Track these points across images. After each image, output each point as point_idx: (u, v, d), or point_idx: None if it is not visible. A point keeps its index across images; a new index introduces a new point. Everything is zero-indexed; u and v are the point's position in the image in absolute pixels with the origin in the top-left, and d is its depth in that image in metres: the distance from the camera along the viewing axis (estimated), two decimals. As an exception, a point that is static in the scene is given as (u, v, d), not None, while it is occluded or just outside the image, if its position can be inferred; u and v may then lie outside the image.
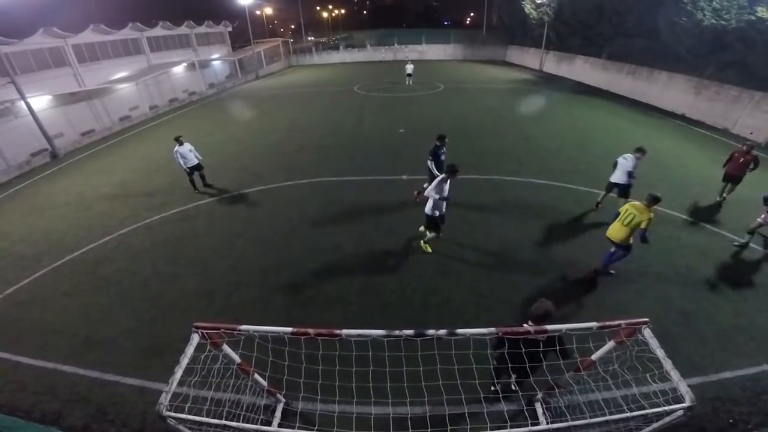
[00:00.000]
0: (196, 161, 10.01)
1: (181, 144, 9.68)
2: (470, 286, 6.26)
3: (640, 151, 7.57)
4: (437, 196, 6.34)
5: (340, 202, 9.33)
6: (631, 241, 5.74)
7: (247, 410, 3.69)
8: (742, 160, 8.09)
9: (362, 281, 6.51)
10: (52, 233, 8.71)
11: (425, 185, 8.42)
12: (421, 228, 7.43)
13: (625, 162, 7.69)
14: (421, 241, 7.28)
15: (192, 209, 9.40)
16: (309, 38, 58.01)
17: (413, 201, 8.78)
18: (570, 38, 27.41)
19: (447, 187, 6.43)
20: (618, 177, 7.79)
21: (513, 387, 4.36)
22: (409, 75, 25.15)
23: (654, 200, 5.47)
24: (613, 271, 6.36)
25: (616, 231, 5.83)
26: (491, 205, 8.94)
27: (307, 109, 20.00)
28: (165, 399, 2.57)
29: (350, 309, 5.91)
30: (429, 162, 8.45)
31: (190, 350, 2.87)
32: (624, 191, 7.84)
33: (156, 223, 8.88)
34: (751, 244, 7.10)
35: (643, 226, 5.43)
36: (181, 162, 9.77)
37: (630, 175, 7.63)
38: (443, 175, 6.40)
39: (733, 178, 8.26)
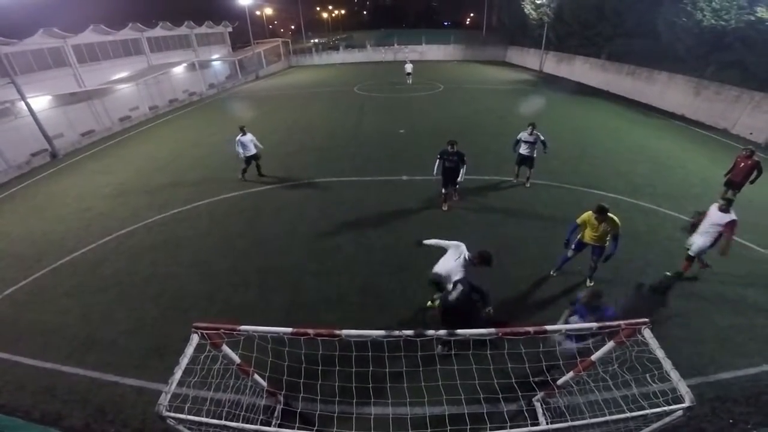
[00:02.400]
0: (254, 151, 10.41)
1: (244, 134, 10.17)
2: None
3: (531, 125, 9.12)
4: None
5: (340, 203, 9.33)
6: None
7: (246, 410, 3.68)
8: (743, 165, 8.01)
9: (362, 281, 6.51)
10: (51, 233, 8.70)
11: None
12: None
13: (523, 136, 9.19)
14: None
15: (192, 209, 9.39)
16: (311, 41, 57.15)
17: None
18: (570, 39, 27.43)
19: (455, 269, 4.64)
20: (523, 150, 9.27)
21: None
22: (408, 74, 25.59)
23: (600, 210, 5.39)
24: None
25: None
26: (491, 205, 8.95)
27: (308, 109, 20.01)
28: (165, 399, 2.57)
29: (350, 309, 5.92)
30: None
31: (189, 350, 2.87)
32: (529, 162, 9.37)
33: (156, 223, 8.88)
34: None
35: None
36: (240, 150, 10.21)
37: (529, 145, 9.14)
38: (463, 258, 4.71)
39: (734, 184, 8.16)
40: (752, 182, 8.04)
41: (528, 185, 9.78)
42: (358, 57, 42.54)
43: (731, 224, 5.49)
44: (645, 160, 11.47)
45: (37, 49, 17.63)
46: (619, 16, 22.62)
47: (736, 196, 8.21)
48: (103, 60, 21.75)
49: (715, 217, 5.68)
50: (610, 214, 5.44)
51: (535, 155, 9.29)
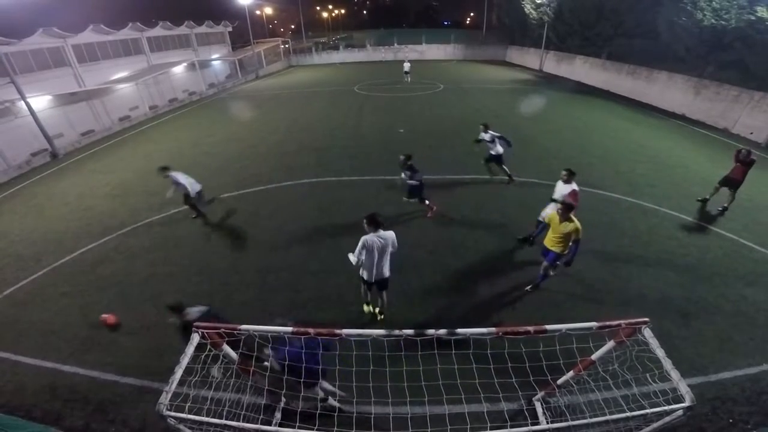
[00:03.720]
0: (187, 189, 8.27)
1: (168, 175, 8.23)
2: (470, 286, 6.26)
3: (482, 125, 9.55)
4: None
5: (339, 202, 9.32)
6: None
7: (247, 410, 3.68)
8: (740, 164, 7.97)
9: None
10: (51, 233, 8.70)
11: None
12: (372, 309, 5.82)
13: (482, 136, 9.57)
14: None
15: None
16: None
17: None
18: (570, 38, 27.45)
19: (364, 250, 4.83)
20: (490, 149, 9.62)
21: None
22: (407, 72, 26.27)
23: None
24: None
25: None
26: (491, 205, 8.95)
27: (308, 109, 20.00)
28: (165, 398, 2.57)
29: (350, 309, 5.91)
30: None
31: (190, 350, 2.87)
32: (496, 160, 9.65)
33: (156, 223, 8.88)
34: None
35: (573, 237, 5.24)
36: (178, 189, 8.32)
37: (494, 145, 9.44)
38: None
39: (732, 182, 8.11)
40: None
41: (515, 181, 9.89)
42: (358, 56, 42.55)
43: (573, 193, 6.18)
44: (645, 160, 11.47)
45: (36, 48, 17.63)
46: (619, 16, 22.65)
47: (734, 195, 8.21)
48: (103, 60, 21.74)
49: (561, 189, 6.42)
50: (572, 216, 5.22)
51: (500, 153, 9.48)
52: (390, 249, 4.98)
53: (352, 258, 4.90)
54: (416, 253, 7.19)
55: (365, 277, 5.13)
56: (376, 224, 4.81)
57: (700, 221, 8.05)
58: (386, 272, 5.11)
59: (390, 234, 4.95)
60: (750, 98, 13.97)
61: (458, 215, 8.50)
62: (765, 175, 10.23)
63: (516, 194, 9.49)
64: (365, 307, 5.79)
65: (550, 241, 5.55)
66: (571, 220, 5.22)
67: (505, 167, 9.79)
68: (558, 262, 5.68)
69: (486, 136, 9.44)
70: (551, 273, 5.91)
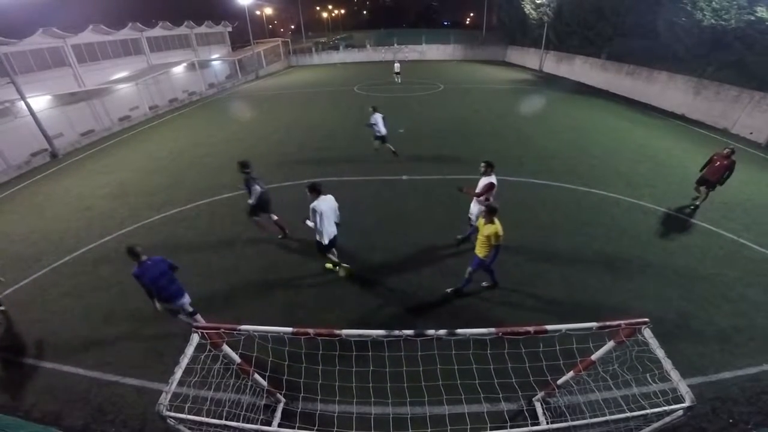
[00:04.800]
0: None
1: None
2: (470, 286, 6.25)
3: (372, 107, 11.06)
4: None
5: (340, 203, 9.25)
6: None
7: (247, 410, 3.68)
8: (719, 164, 7.85)
9: (362, 281, 6.51)
10: (51, 233, 8.70)
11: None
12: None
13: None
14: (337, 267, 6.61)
15: (192, 209, 9.39)
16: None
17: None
18: (569, 38, 27.43)
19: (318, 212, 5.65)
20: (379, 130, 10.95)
21: None
22: (397, 73, 26.82)
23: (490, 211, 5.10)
24: (484, 284, 6.13)
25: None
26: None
27: (307, 109, 20.00)
28: (165, 399, 2.58)
29: (350, 309, 5.92)
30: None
31: (189, 350, 2.87)
32: (382, 140, 11.19)
33: (156, 223, 8.87)
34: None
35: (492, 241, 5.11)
36: None
37: (379, 126, 10.89)
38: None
39: (708, 182, 8.03)
40: (722, 183, 7.92)
41: (398, 156, 11.47)
42: (358, 57, 42.53)
43: (489, 186, 6.29)
44: (645, 160, 11.47)
45: (36, 48, 17.65)
46: (619, 16, 22.61)
47: (708, 194, 8.18)
48: (103, 60, 21.76)
49: (480, 183, 6.47)
50: (495, 219, 5.09)
51: (384, 133, 10.99)
52: (335, 206, 5.93)
53: (310, 223, 5.76)
54: (416, 252, 7.19)
55: (325, 240, 5.91)
56: (317, 191, 5.66)
57: (699, 221, 8.05)
58: (335, 230, 6.00)
59: (329, 197, 5.85)
60: (750, 98, 13.98)
61: (457, 214, 8.48)
62: (765, 175, 10.24)
63: (515, 193, 9.46)
64: (329, 263, 6.67)
65: (477, 243, 5.41)
66: (493, 222, 5.08)
67: (389, 145, 11.26)
68: (481, 267, 5.52)
69: (372, 119, 10.73)
70: (471, 278, 5.74)
